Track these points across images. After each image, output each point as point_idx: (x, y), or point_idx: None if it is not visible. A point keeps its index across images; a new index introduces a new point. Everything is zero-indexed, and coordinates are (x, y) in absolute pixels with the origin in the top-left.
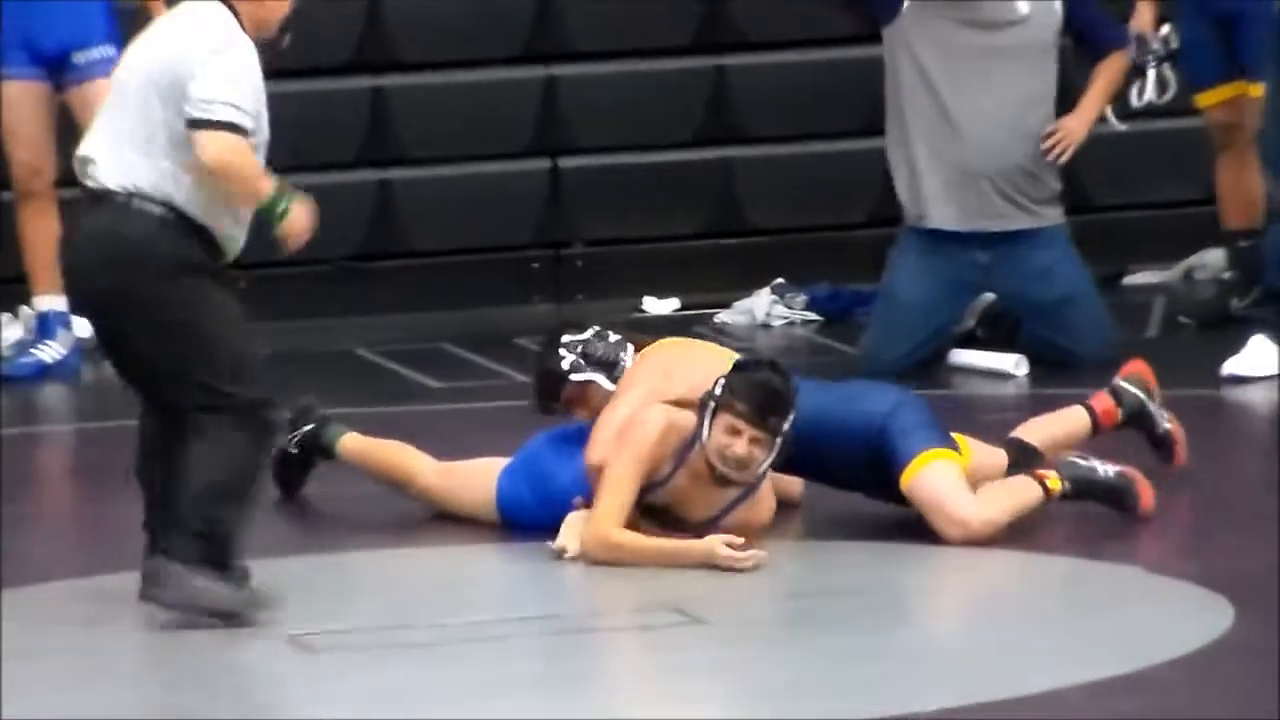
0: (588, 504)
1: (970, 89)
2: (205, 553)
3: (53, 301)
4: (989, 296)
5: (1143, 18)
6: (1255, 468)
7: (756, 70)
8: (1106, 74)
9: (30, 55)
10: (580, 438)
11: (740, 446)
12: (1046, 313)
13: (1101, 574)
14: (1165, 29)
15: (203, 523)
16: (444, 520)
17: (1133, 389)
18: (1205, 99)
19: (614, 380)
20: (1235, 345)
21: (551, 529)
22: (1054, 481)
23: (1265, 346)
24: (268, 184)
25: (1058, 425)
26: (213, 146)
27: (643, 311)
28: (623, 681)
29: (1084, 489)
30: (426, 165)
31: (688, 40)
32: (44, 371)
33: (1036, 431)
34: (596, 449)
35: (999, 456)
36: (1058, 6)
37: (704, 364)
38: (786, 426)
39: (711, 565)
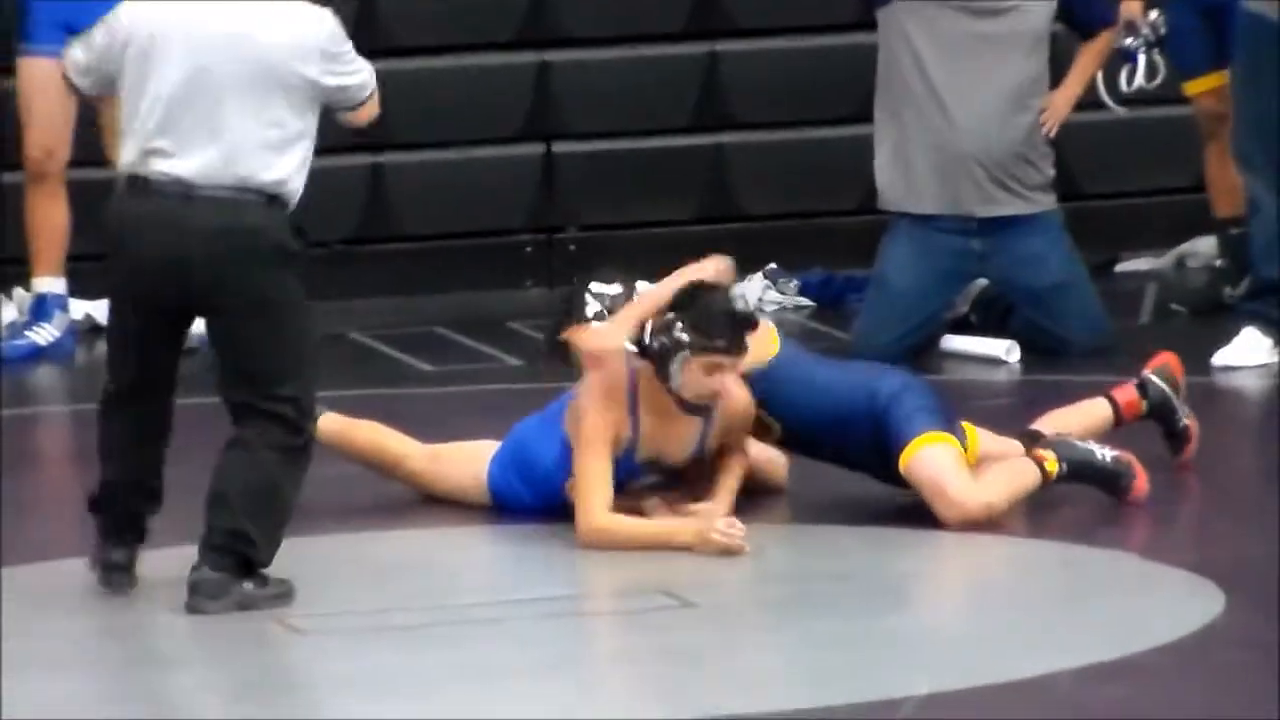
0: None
1: (964, 74)
2: (237, 559)
3: (52, 284)
4: (981, 282)
5: (1132, 3)
6: (1248, 456)
7: (749, 57)
8: (1092, 51)
9: (61, 33)
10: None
11: (723, 379)
12: (1039, 299)
13: (1092, 560)
14: (1154, 14)
15: (232, 536)
16: (429, 503)
17: (1160, 382)
18: (1193, 87)
19: (631, 340)
20: (1227, 333)
21: (543, 512)
22: (1051, 464)
23: (1256, 338)
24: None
25: (1079, 416)
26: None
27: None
28: (609, 665)
29: (1080, 471)
30: (420, 149)
31: (681, 26)
32: (38, 354)
33: (1056, 422)
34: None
35: (1010, 446)
36: None
37: None
38: None
39: (704, 545)
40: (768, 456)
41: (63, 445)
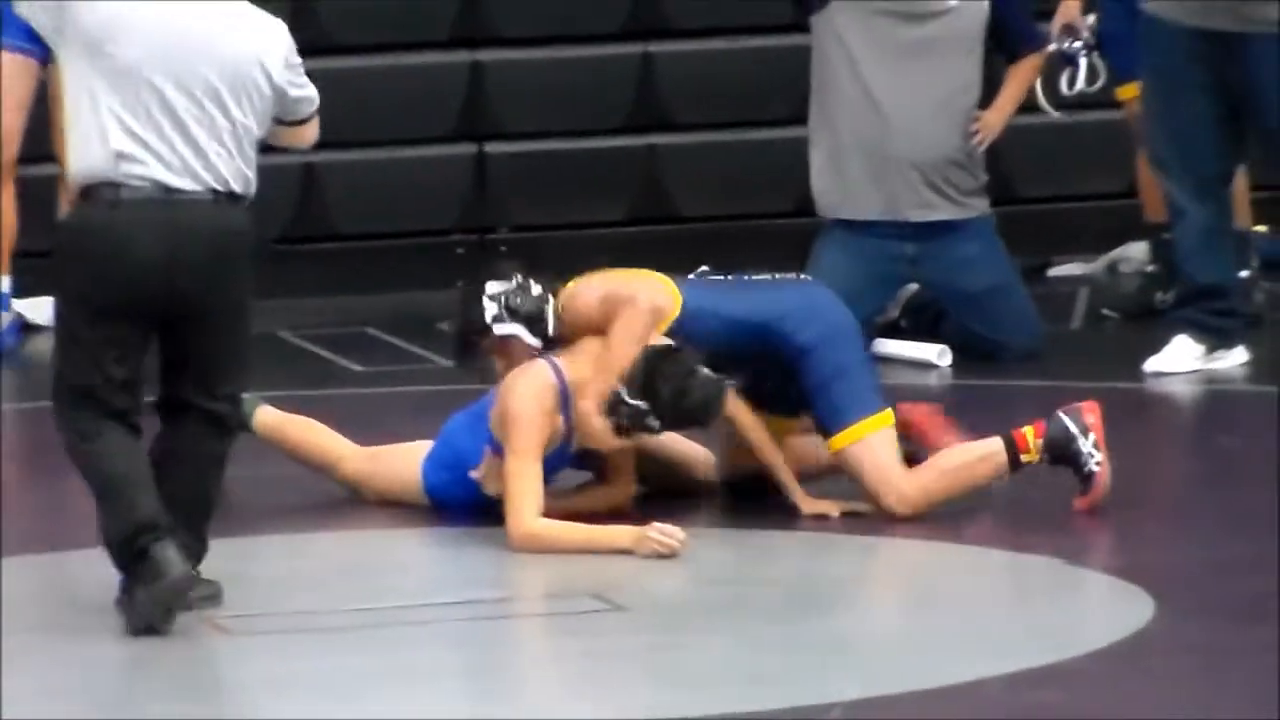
0: (496, 452)
1: (898, 79)
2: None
3: (4, 282)
4: (913, 286)
5: (1070, 7)
6: (1177, 462)
7: (684, 58)
8: (1021, 74)
9: (30, 30)
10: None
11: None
12: (972, 304)
13: (1023, 566)
14: (1092, 18)
15: (185, 547)
16: (360, 504)
17: (1067, 421)
18: (1126, 92)
19: (536, 335)
20: (1159, 338)
21: (479, 509)
22: (1032, 453)
23: (1187, 345)
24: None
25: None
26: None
27: None
28: (538, 667)
29: (1059, 456)
30: (352, 149)
31: (616, 27)
32: None
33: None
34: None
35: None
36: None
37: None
38: None
39: (641, 548)
40: (690, 453)
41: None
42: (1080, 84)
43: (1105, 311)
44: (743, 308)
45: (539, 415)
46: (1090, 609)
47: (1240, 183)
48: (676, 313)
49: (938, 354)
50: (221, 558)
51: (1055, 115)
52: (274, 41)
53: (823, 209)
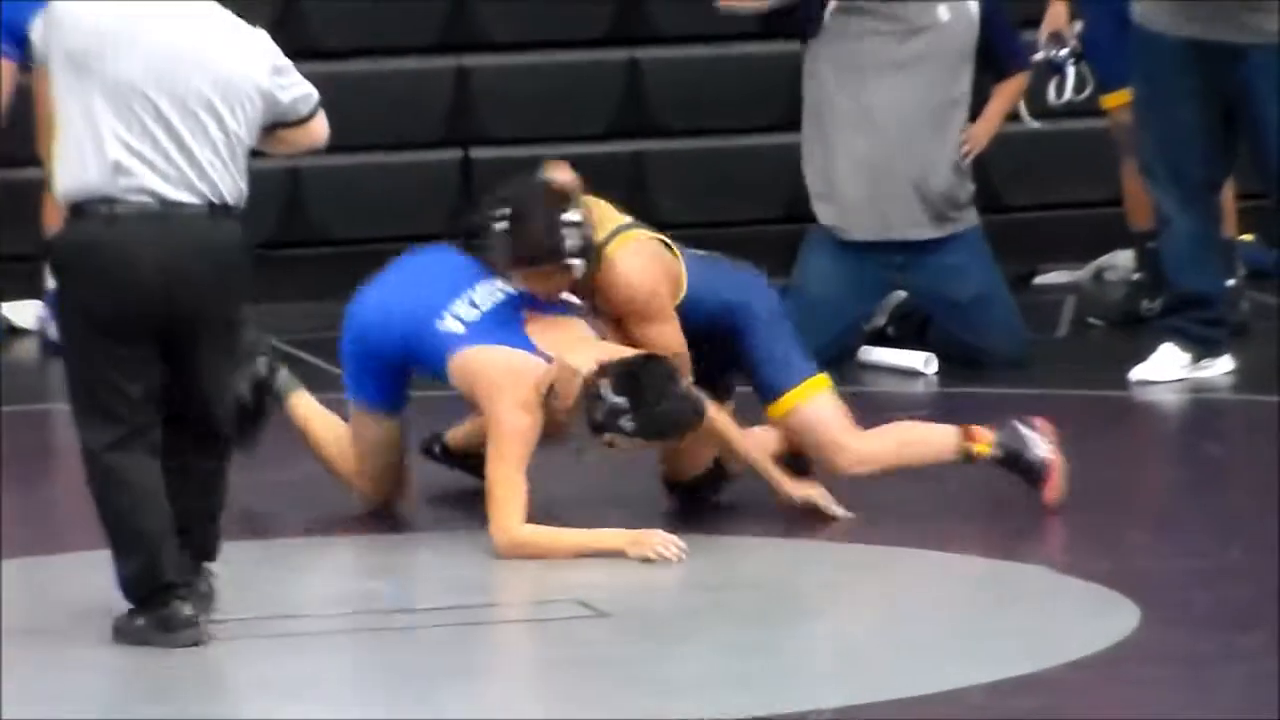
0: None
1: (891, 95)
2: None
3: None
4: (899, 294)
5: (1057, 15)
6: (1163, 470)
7: (670, 64)
8: (1008, 90)
9: (11, 33)
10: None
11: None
12: (959, 311)
13: (1007, 573)
14: (1078, 26)
15: (208, 534)
16: (347, 509)
17: (1020, 426)
18: (1111, 100)
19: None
20: (1145, 346)
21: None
22: (983, 447)
23: (1173, 354)
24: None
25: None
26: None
27: None
28: (522, 672)
29: (1010, 461)
30: (337, 153)
31: (601, 33)
32: None
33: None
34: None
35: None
36: (975, 13)
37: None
38: None
39: (637, 552)
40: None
41: None
42: (1068, 93)
43: (1091, 320)
44: (716, 287)
45: (531, 429)
46: (1074, 617)
47: (1227, 191)
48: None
49: (924, 362)
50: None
51: (1035, 125)
52: (257, 49)
53: (819, 218)
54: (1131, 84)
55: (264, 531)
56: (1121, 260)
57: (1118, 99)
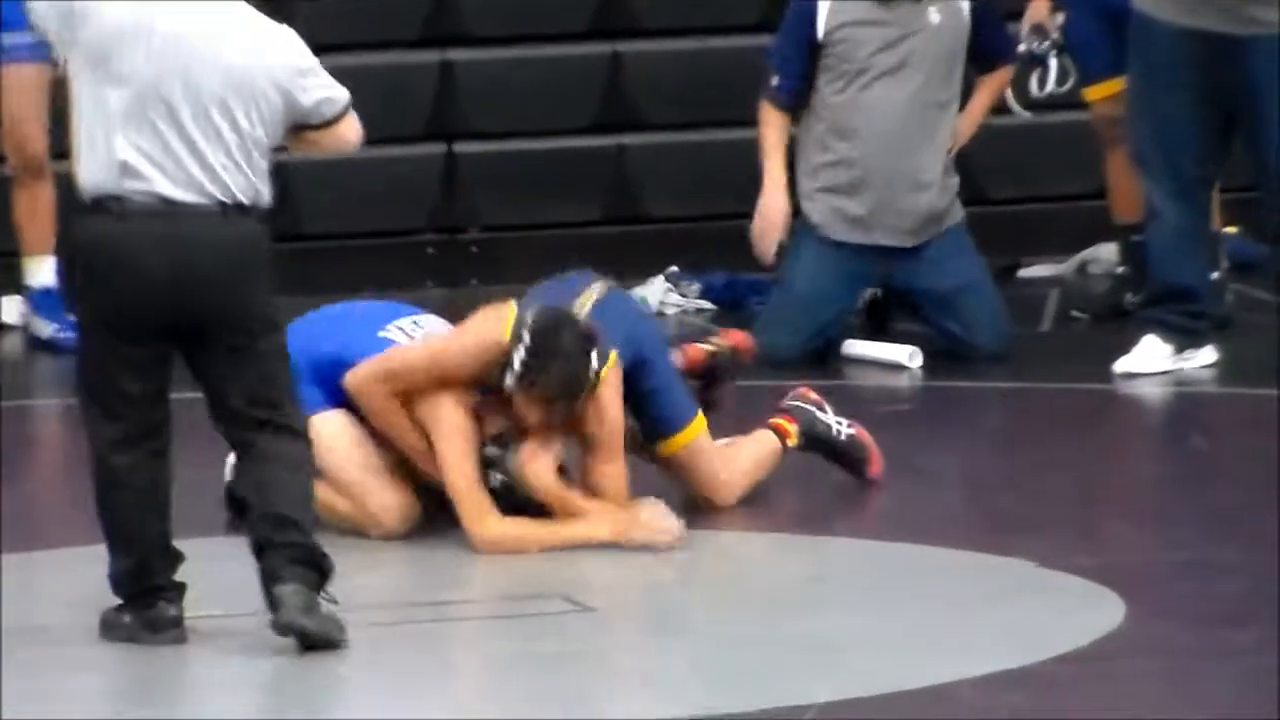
0: None
1: (883, 100)
2: (316, 573)
3: None
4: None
5: (1039, 8)
6: (1147, 463)
7: (653, 57)
8: (993, 84)
9: None
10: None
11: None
12: (944, 302)
13: (993, 567)
14: (1061, 18)
15: (309, 550)
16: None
17: (803, 405)
18: (1093, 93)
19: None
20: (1129, 339)
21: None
22: (792, 437)
23: (1156, 345)
24: None
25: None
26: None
27: None
28: (507, 668)
29: (815, 444)
30: None
31: (585, 26)
32: None
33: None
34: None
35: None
36: (966, 14)
37: None
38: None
39: (625, 541)
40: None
41: None
42: (1050, 85)
43: (1074, 313)
44: (622, 334)
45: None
46: (1060, 611)
47: None
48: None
49: (908, 356)
50: (191, 558)
51: (1025, 116)
52: (280, 47)
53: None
54: (1128, 72)
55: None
56: (1105, 253)
57: (1100, 91)
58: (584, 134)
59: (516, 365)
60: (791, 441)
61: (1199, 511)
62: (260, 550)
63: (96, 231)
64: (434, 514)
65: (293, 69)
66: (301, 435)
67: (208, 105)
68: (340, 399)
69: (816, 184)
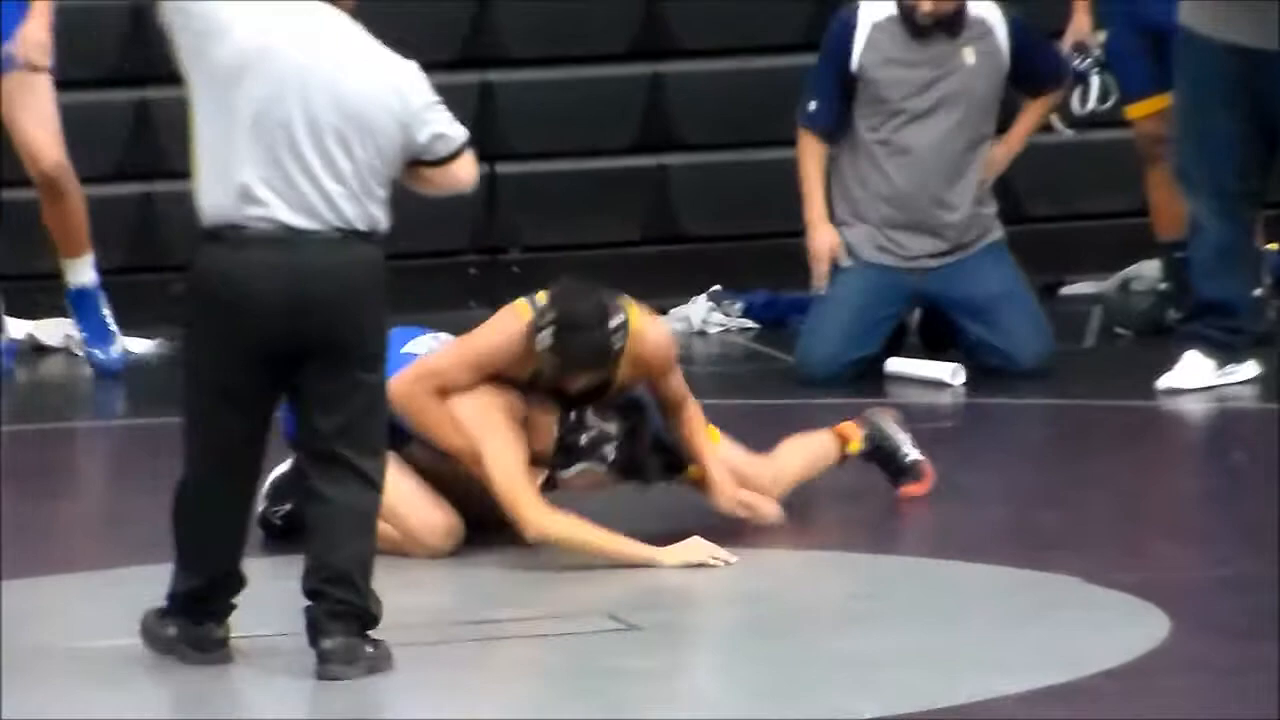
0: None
1: (919, 139)
2: (360, 625)
3: None
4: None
5: (1080, 24)
6: (1190, 479)
7: (693, 77)
8: (1038, 108)
9: None
10: None
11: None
12: (981, 311)
13: (1037, 583)
14: (1103, 35)
15: (355, 607)
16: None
17: (878, 422)
18: (1136, 110)
19: None
20: (1171, 356)
21: None
22: (856, 443)
23: (1199, 361)
24: None
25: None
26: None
27: None
28: (554, 686)
29: (879, 455)
30: None
31: (625, 47)
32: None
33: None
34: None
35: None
36: (1004, 51)
37: None
38: None
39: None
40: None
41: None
42: (1092, 103)
43: (1117, 330)
44: None
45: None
46: (1105, 627)
47: None
48: None
49: (951, 373)
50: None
51: (1069, 134)
52: (399, 82)
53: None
54: (1174, 88)
55: (276, 547)
56: (1147, 270)
57: (1143, 109)
58: (624, 154)
59: (548, 340)
60: (853, 447)
61: (1242, 527)
62: (311, 595)
63: (216, 259)
64: (473, 534)
65: (410, 104)
66: (376, 489)
67: (324, 134)
68: None
69: (849, 209)
